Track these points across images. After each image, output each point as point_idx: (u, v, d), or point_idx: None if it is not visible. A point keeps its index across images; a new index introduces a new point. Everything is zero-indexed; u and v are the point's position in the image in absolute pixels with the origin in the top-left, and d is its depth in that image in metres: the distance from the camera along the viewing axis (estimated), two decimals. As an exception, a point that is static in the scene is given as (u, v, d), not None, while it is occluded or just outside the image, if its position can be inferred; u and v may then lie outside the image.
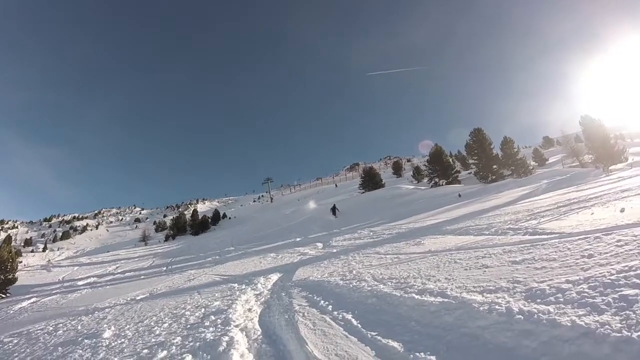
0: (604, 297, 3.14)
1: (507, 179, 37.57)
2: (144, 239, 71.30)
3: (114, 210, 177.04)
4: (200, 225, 66.50)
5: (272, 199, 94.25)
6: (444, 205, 21.37)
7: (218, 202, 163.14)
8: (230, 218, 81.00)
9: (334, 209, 33.44)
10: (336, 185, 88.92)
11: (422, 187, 43.13)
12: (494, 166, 42.93)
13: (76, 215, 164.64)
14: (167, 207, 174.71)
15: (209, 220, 71.11)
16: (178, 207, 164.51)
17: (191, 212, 75.53)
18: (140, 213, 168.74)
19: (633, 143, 60.16)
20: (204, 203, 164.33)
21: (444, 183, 44.55)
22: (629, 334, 2.53)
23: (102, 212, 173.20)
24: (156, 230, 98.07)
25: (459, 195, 26.62)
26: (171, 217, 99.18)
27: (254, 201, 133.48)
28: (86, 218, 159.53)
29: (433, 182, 46.80)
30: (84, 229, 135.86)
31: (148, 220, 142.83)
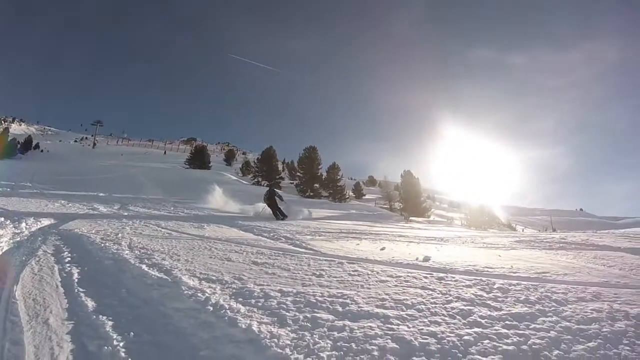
0: (296, 314, 3.25)
1: (323, 200, 39.95)
2: None
3: None
4: (6, 149, 57.40)
5: (95, 144, 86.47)
6: (256, 202, 21.70)
7: (37, 128, 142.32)
8: (42, 151, 71.98)
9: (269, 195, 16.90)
10: (165, 153, 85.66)
11: (245, 182, 43.82)
12: (316, 185, 45.58)
13: None
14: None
15: (18, 145, 62.16)
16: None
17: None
18: None
19: (440, 207, 68.94)
20: (20, 125, 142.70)
21: (265, 184, 45.59)
22: (290, 353, 2.58)
23: None
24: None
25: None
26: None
27: (76, 141, 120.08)
28: None
29: (256, 180, 47.74)
30: None
31: None
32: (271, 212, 15.86)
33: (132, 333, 2.90)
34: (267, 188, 18.34)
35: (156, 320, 3.21)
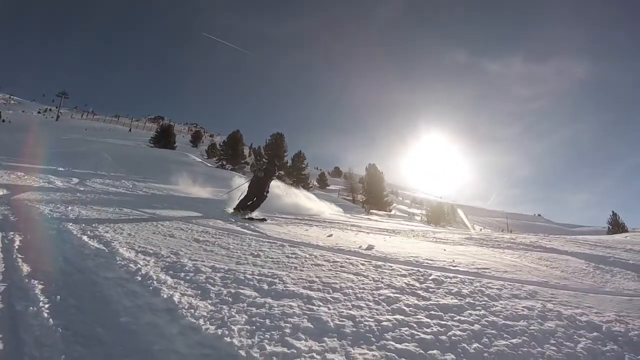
0: (221, 288, 3.35)
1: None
2: None
3: None
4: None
5: (58, 117, 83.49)
6: (219, 186, 21.54)
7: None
8: (4, 120, 69.09)
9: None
10: (130, 130, 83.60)
11: (209, 164, 43.42)
12: (281, 171, 45.31)
13: None
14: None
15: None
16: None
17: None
18: None
19: (403, 202, 69.97)
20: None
21: (229, 167, 45.34)
22: (203, 324, 2.67)
23: None
24: None
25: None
26: None
27: (39, 112, 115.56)
28: None
29: (220, 163, 47.40)
30: None
31: None
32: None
33: (59, 297, 2.94)
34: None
35: (85, 287, 3.25)
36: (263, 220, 9.07)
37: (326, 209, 16.83)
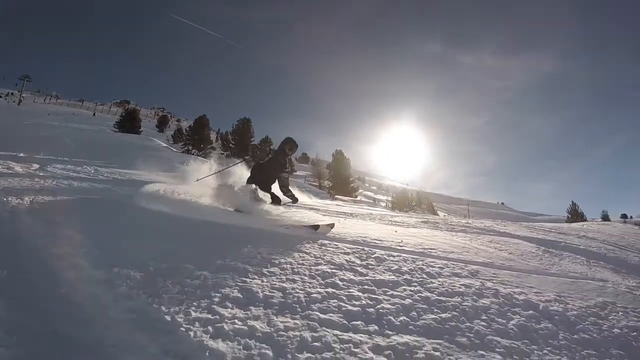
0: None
1: (253, 171, 39.85)
2: None
3: None
4: None
5: (21, 101, 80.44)
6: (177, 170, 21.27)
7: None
8: None
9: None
10: (94, 114, 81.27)
11: (175, 149, 42.87)
12: (247, 156, 45.12)
13: None
14: None
15: None
16: None
17: None
18: None
19: (369, 188, 70.61)
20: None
21: (195, 153, 44.78)
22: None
23: None
24: None
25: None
26: None
27: (0, 96, 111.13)
28: None
29: (186, 148, 46.84)
30: None
31: None
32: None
33: (5, 271, 3.02)
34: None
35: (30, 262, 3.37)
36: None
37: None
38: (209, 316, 2.55)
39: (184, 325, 2.43)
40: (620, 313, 3.49)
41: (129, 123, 49.98)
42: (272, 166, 8.52)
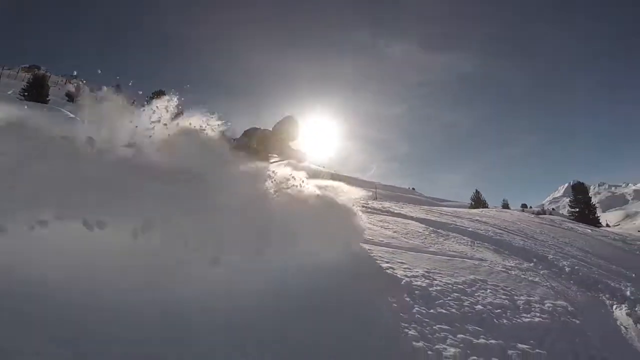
0: None
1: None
2: None
3: None
4: None
5: None
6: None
7: None
8: None
9: None
10: (-1, 79, 73.84)
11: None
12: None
13: None
14: None
15: None
16: None
17: None
18: None
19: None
20: None
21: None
22: None
23: None
24: None
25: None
26: None
27: None
28: None
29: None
30: None
31: None
32: None
33: None
34: None
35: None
36: None
37: None
38: None
39: None
40: (489, 290, 3.57)
41: (36, 90, 45.70)
42: None
